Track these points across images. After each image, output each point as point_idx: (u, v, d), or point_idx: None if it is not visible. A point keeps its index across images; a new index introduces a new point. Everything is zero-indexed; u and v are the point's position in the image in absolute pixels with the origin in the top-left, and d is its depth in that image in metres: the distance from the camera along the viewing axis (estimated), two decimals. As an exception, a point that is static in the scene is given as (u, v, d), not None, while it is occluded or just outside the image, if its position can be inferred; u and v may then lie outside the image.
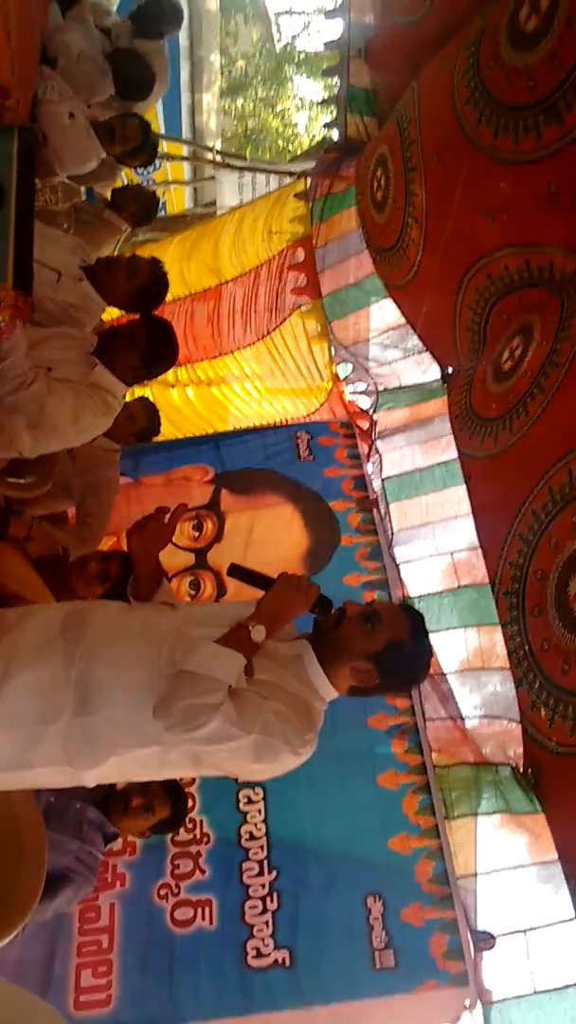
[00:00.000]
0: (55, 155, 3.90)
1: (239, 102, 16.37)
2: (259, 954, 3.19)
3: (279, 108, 16.55)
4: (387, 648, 2.04)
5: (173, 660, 1.99)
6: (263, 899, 3.30)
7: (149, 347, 3.11)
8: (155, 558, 2.37)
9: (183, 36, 9.72)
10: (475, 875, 3.19)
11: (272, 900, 3.30)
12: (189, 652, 1.95)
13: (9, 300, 1.91)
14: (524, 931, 2.98)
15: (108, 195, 4.67)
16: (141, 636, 2.06)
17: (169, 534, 2.33)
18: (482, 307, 3.31)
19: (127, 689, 1.97)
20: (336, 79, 4.50)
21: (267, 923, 3.25)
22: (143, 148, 4.25)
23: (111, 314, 4.00)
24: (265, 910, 3.28)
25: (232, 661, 1.93)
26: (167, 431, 4.66)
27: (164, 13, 4.66)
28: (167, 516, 2.33)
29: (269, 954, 3.19)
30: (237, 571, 2.12)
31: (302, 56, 16.08)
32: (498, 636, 3.09)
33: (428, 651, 2.20)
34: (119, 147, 4.13)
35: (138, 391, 4.72)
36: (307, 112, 16.61)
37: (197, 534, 4.57)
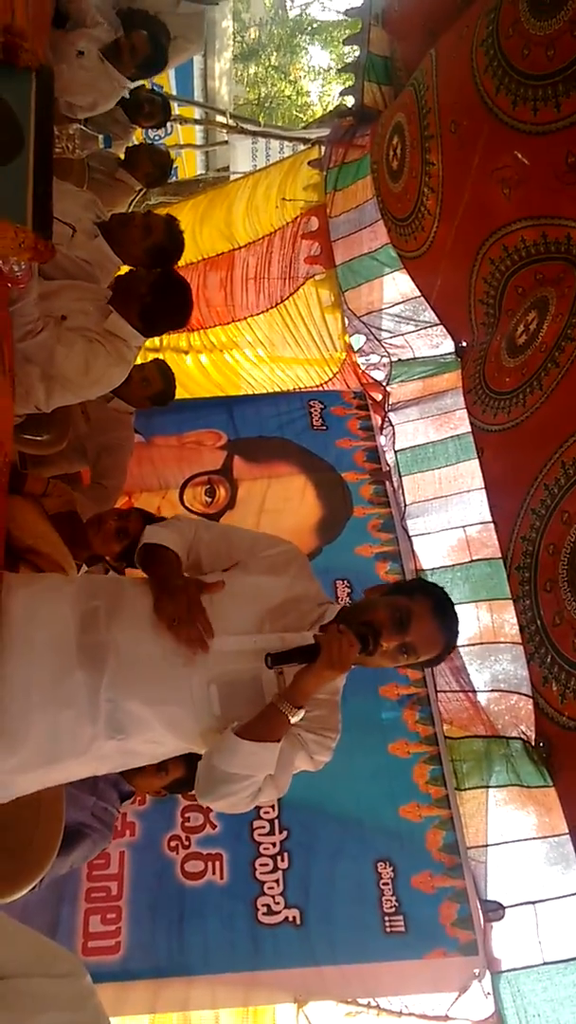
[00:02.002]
0: (59, 87, 3.89)
1: (251, 69, 16.16)
2: (270, 911, 3.24)
3: (292, 77, 16.34)
4: (417, 664, 2.03)
5: (205, 689, 1.90)
6: (274, 857, 3.35)
7: (164, 289, 3.09)
8: None
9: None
10: (485, 846, 3.23)
11: (283, 859, 3.35)
12: (225, 751, 1.83)
13: (30, 242, 1.89)
14: (533, 903, 3.02)
15: (122, 154, 4.66)
16: (168, 664, 1.91)
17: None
18: (498, 280, 3.29)
19: (162, 721, 1.90)
20: (353, 48, 4.44)
21: (278, 881, 3.30)
22: (155, 61, 4.25)
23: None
24: (276, 868, 3.33)
25: (269, 755, 1.83)
26: (180, 398, 4.66)
27: None
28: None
29: (280, 912, 3.23)
30: (277, 659, 1.91)
31: (315, 25, 15.85)
32: (508, 612, 3.10)
33: (455, 644, 2.11)
34: (130, 63, 4.11)
35: (152, 356, 4.72)
36: (320, 81, 16.44)
37: (210, 500, 4.58)
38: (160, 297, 3.08)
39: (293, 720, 1.84)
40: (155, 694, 1.89)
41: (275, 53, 16.19)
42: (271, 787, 1.87)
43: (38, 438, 3.37)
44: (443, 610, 2.00)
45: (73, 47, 3.93)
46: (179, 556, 2.09)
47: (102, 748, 1.88)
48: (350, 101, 4.71)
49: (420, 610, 1.95)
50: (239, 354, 6.09)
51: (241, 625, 1.97)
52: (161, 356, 5.33)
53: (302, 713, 1.85)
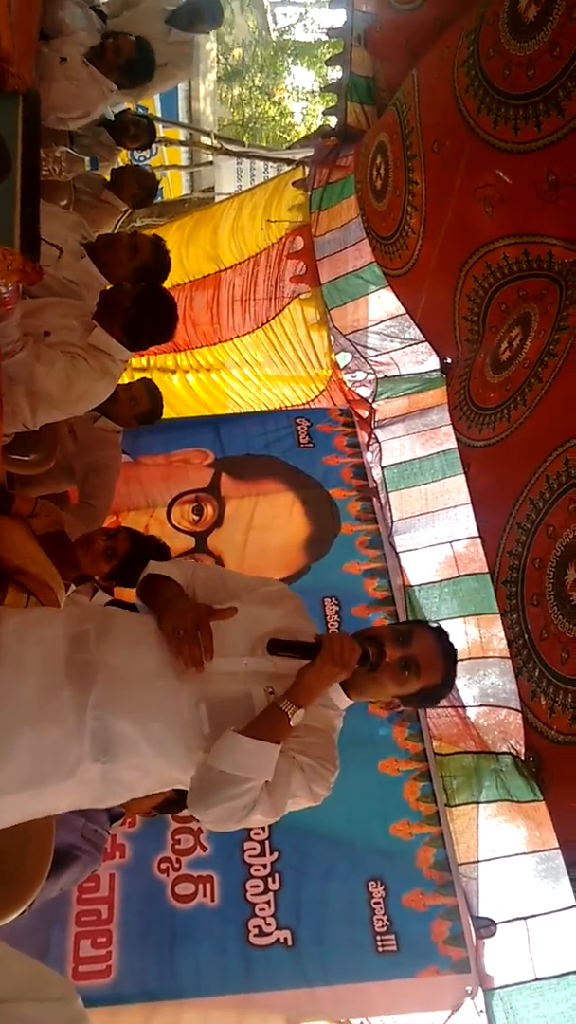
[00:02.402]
0: (47, 105, 3.88)
1: (235, 90, 16.32)
2: (261, 933, 3.21)
3: (276, 97, 16.50)
4: (419, 692, 2.00)
5: (194, 708, 1.87)
6: (265, 879, 3.33)
7: (147, 302, 3.10)
8: None
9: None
10: (476, 862, 3.22)
11: (274, 880, 3.32)
12: (223, 750, 1.80)
13: (17, 265, 1.91)
14: (525, 918, 3.00)
15: (107, 176, 4.69)
16: (158, 681, 1.90)
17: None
18: (481, 297, 3.31)
19: (150, 741, 1.85)
20: (335, 68, 4.49)
21: (269, 903, 3.27)
22: (140, 66, 4.21)
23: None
24: (267, 890, 3.30)
25: (269, 756, 1.80)
26: (167, 417, 4.67)
27: (203, 12, 4.68)
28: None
29: (271, 933, 3.21)
30: (278, 646, 1.93)
31: (298, 46, 16.02)
32: (495, 627, 3.10)
33: (454, 681, 2.10)
34: (114, 62, 4.08)
35: (139, 375, 4.74)
36: (304, 102, 16.60)
37: (197, 518, 4.58)
38: (144, 310, 3.09)
39: (293, 721, 1.83)
40: (143, 712, 1.87)
41: (259, 74, 16.35)
42: (267, 803, 1.81)
43: (25, 458, 3.37)
44: (442, 637, 2.04)
45: (56, 54, 3.93)
46: (181, 587, 2.11)
47: (87, 772, 1.85)
48: (333, 121, 4.75)
49: (420, 631, 2.02)
50: (226, 374, 6.11)
51: (233, 648, 1.96)
52: (148, 375, 5.35)
53: (303, 714, 1.85)
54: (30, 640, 1.94)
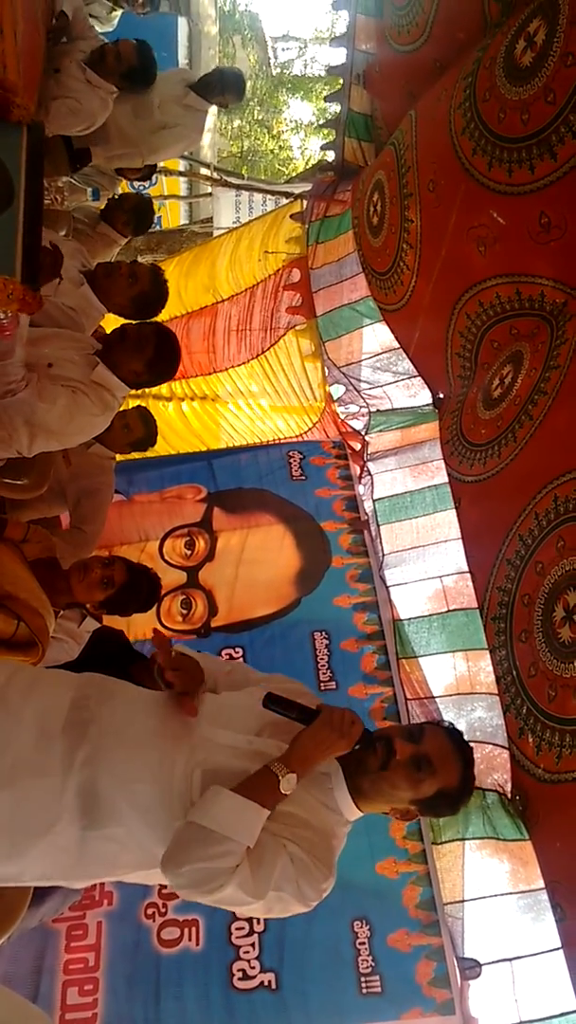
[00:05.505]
0: (49, 124, 3.83)
1: (235, 123, 16.52)
2: (245, 976, 3.18)
3: (275, 131, 16.72)
4: (437, 795, 1.91)
5: (188, 776, 1.83)
6: (250, 921, 3.29)
7: (156, 353, 3.11)
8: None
9: (182, 55, 9.82)
10: (462, 902, 3.19)
11: (259, 922, 3.28)
12: (205, 803, 1.75)
13: (18, 293, 1.93)
14: (510, 960, 2.97)
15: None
16: (153, 741, 1.88)
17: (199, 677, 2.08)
18: (474, 334, 3.34)
19: (134, 805, 1.81)
20: (334, 104, 4.55)
21: (253, 945, 3.24)
22: (142, 71, 4.15)
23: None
24: (252, 932, 3.27)
25: (254, 818, 1.73)
26: (159, 447, 4.67)
27: (231, 86, 4.68)
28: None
29: (255, 976, 3.18)
30: (274, 701, 1.89)
31: (295, 79, 16.25)
32: (484, 661, 3.09)
33: (473, 785, 2.02)
34: (115, 68, 4.02)
35: (134, 403, 4.76)
36: (301, 135, 16.84)
37: (189, 552, 4.57)
38: (153, 365, 3.13)
39: (283, 786, 1.77)
40: (131, 771, 1.84)
41: (258, 107, 16.57)
42: (247, 878, 1.71)
43: (18, 482, 3.37)
44: (454, 735, 2.00)
45: (51, 66, 3.89)
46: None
47: (64, 833, 1.81)
48: (331, 155, 4.80)
49: (431, 729, 1.99)
50: (220, 404, 6.13)
51: (241, 725, 1.95)
52: (143, 402, 5.36)
53: (294, 780, 1.79)
54: (34, 696, 1.96)
